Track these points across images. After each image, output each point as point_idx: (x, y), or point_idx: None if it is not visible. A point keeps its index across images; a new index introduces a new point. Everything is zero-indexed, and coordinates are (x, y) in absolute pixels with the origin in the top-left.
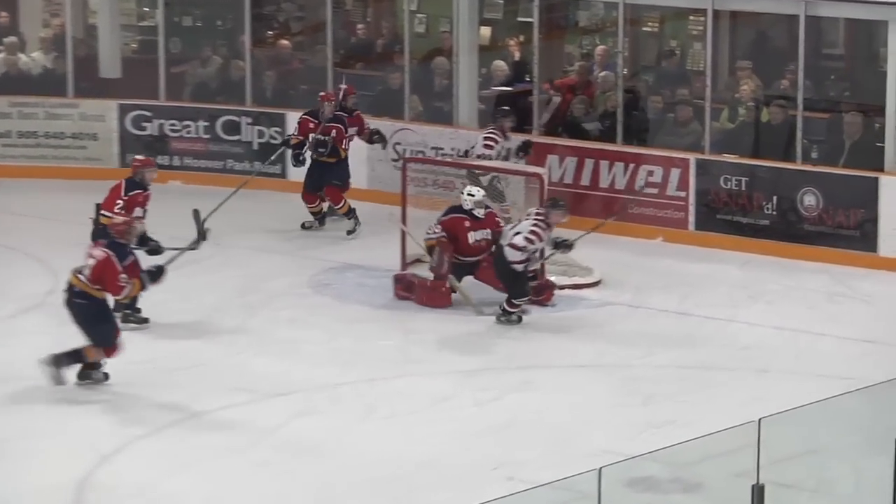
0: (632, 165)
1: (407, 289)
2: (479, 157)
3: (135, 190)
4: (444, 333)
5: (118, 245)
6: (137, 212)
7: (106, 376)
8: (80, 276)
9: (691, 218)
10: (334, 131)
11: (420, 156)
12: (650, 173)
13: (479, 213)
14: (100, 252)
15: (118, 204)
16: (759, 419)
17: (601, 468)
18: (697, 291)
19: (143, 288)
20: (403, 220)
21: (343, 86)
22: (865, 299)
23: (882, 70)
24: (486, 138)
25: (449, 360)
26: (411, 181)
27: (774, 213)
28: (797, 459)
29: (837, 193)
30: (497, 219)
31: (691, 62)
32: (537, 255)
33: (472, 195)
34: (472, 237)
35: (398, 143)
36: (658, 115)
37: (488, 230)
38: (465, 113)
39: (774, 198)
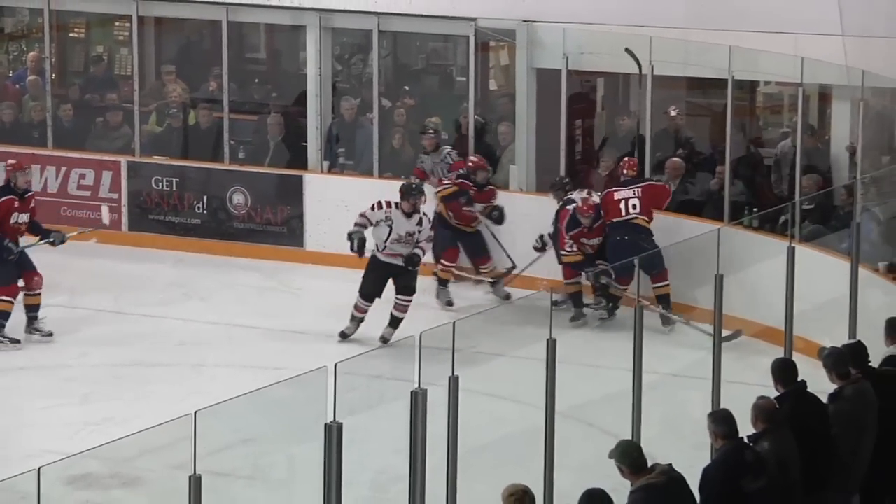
0: (63, 169)
1: None
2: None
3: None
4: None
5: None
6: None
7: None
8: None
9: (124, 219)
10: None
11: None
12: (82, 176)
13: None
14: None
15: None
16: (195, 412)
17: (40, 468)
18: (132, 291)
19: None
20: None
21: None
22: (294, 292)
23: (303, 73)
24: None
25: None
26: None
27: (205, 212)
28: (233, 449)
29: (265, 191)
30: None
31: (119, 67)
32: None
33: None
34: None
35: None
36: (82, 121)
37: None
38: None
39: (205, 197)
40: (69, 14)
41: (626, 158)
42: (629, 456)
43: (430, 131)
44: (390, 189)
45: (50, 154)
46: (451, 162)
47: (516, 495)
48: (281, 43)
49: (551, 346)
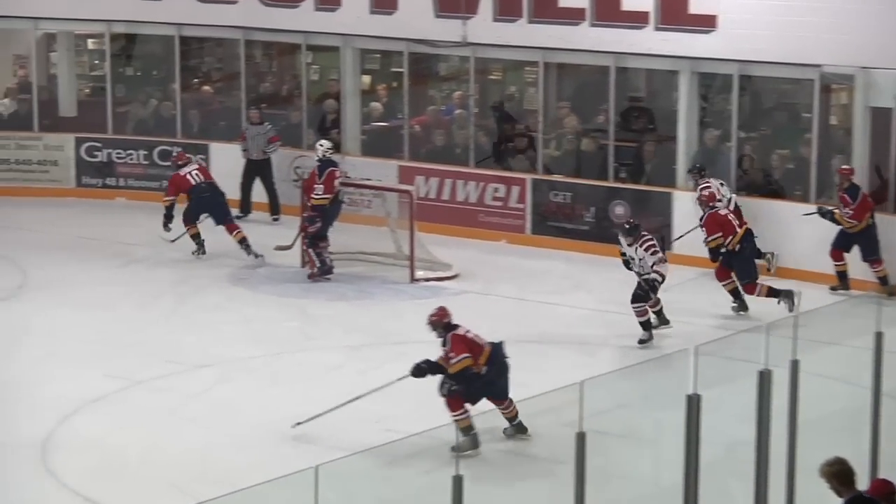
0: (481, 184)
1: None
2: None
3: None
4: (335, 316)
5: None
6: None
7: None
8: None
9: (528, 224)
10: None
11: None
12: (496, 190)
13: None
14: None
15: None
16: (582, 381)
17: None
18: (533, 282)
19: None
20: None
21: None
22: (663, 288)
23: (674, 109)
24: None
25: (339, 338)
26: None
27: (593, 220)
28: (611, 412)
29: (640, 204)
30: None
31: (527, 103)
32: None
33: (322, 144)
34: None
35: (298, 168)
36: (497, 147)
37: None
38: (350, 142)
39: (592, 208)
40: (489, 61)
41: None
42: None
43: (255, 109)
44: (743, 205)
45: (470, 171)
46: (270, 136)
47: (836, 465)
48: (658, 84)
49: (877, 338)
